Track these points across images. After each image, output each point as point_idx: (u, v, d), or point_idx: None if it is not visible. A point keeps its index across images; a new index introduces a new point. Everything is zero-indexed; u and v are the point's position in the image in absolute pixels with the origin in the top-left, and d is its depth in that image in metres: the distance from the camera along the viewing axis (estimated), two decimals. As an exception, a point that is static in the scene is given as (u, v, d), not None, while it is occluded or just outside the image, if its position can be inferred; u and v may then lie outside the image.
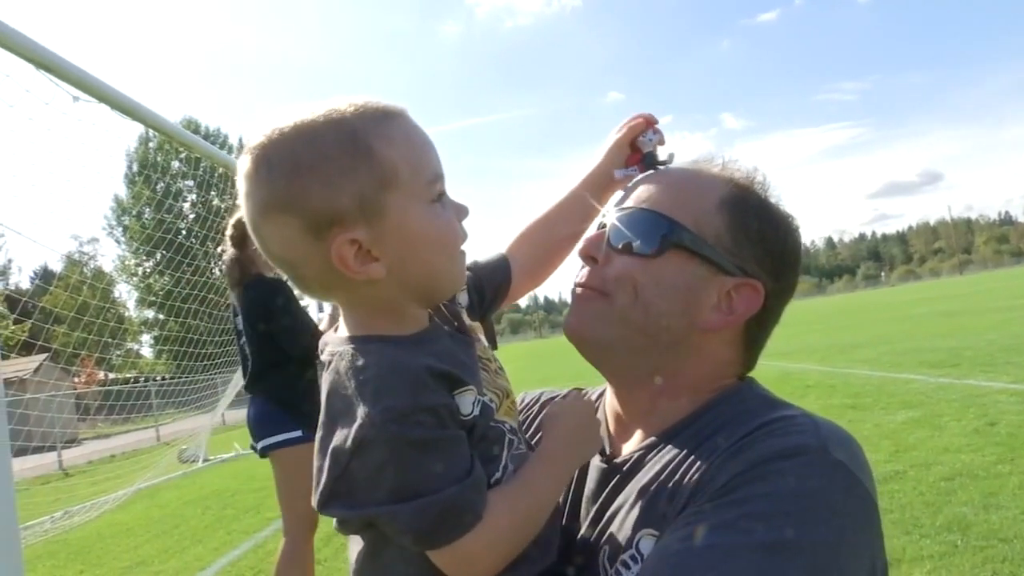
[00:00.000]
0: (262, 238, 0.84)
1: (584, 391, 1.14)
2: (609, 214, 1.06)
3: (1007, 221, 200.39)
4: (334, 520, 0.85)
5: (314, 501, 0.83)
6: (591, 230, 1.13)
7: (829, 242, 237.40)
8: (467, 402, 0.85)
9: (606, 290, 1.00)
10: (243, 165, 0.82)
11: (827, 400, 9.27)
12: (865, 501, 0.79)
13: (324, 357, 0.88)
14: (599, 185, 1.27)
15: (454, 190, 0.91)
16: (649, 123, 1.24)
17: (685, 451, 0.90)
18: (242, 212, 0.84)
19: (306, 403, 3.83)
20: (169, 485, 12.13)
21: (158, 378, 22.46)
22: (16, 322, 9.75)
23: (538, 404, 1.24)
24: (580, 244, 1.08)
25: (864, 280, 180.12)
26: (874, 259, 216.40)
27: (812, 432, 0.83)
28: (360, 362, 0.81)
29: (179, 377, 14.93)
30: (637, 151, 1.24)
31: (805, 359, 14.47)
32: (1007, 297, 26.95)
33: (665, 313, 0.96)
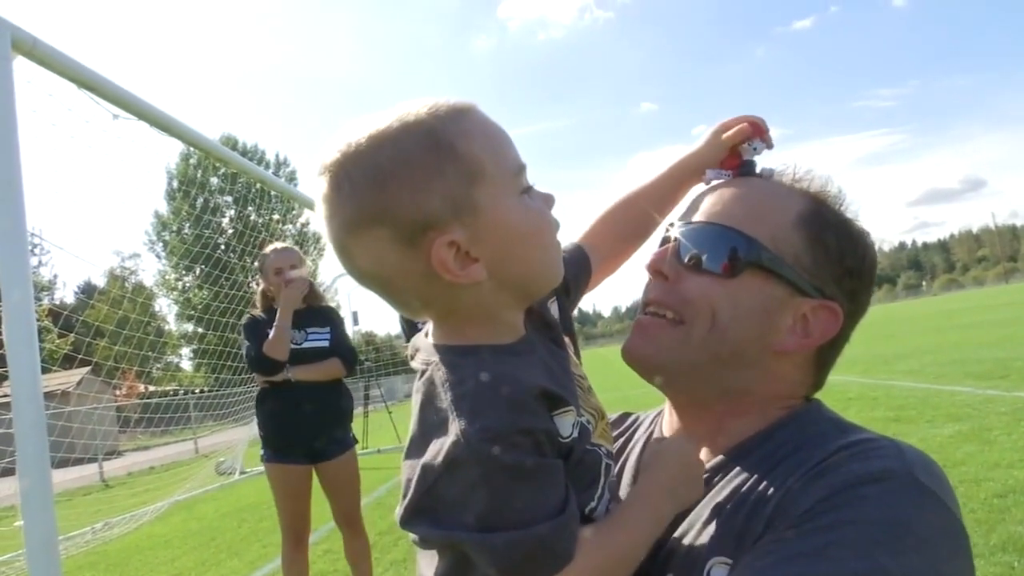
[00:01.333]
0: (350, 258, 0.80)
1: (636, 415, 1.08)
2: (675, 227, 1.00)
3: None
4: (413, 539, 0.80)
5: (398, 514, 0.79)
6: (655, 243, 1.06)
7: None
8: (567, 424, 0.79)
9: (681, 315, 0.94)
10: (320, 186, 0.78)
11: (869, 413, 9.02)
12: (956, 528, 0.76)
13: (417, 364, 0.84)
14: (685, 177, 1.22)
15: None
16: (759, 130, 1.17)
17: (759, 473, 0.86)
18: (325, 235, 0.80)
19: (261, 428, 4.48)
20: (206, 497, 12.28)
21: (197, 391, 22.84)
22: (60, 336, 9.99)
23: (623, 429, 1.16)
24: (647, 258, 1.02)
25: (905, 290, 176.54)
26: (915, 268, 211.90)
27: (896, 456, 0.80)
28: (458, 374, 0.76)
29: (217, 390, 15.15)
30: (736, 155, 1.17)
31: (846, 371, 14.12)
32: (1056, 306, 26.09)
33: (742, 339, 0.93)
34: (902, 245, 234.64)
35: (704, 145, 1.21)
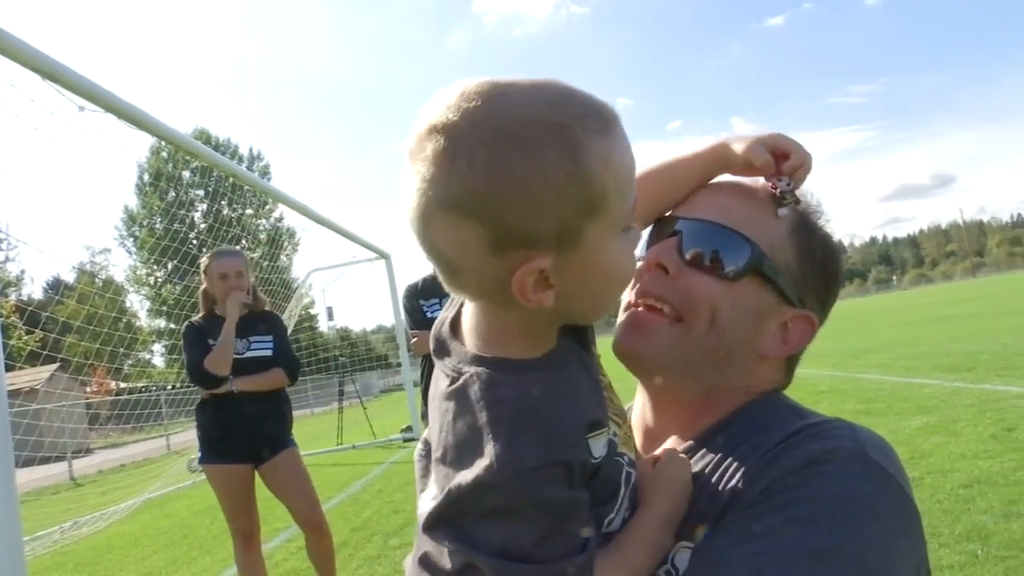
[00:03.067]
0: (429, 232, 0.71)
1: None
2: (678, 220, 0.99)
3: (1020, 223, 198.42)
4: (428, 546, 0.78)
5: (422, 515, 0.77)
6: (654, 235, 1.02)
7: (839, 246, 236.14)
8: (600, 445, 0.77)
9: (680, 312, 0.94)
10: (428, 147, 0.68)
11: (840, 406, 9.15)
12: (906, 504, 0.79)
13: (446, 369, 0.79)
14: (713, 170, 1.04)
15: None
16: (804, 169, 1.01)
17: (718, 457, 0.88)
18: (409, 191, 0.70)
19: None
20: (178, 495, 12.14)
21: (169, 387, 22.57)
22: (28, 332, 9.81)
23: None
24: (646, 250, 0.99)
25: (875, 284, 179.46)
26: (885, 263, 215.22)
27: (850, 436, 0.82)
28: (495, 393, 0.73)
29: (190, 386, 14.98)
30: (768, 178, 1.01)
31: (817, 364, 14.29)
32: (1022, 300, 26.68)
33: (736, 340, 0.95)
34: (873, 240, 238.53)
35: (747, 149, 1.01)
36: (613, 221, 0.72)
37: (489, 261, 0.70)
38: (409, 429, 14.07)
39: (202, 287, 4.48)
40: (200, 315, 4.48)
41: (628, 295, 0.98)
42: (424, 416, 4.98)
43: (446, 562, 0.76)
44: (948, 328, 19.25)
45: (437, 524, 0.75)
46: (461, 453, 0.73)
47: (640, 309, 0.96)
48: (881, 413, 8.27)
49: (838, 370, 13.14)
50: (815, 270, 0.97)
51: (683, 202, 1.03)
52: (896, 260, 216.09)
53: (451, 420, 0.75)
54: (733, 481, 0.83)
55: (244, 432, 4.26)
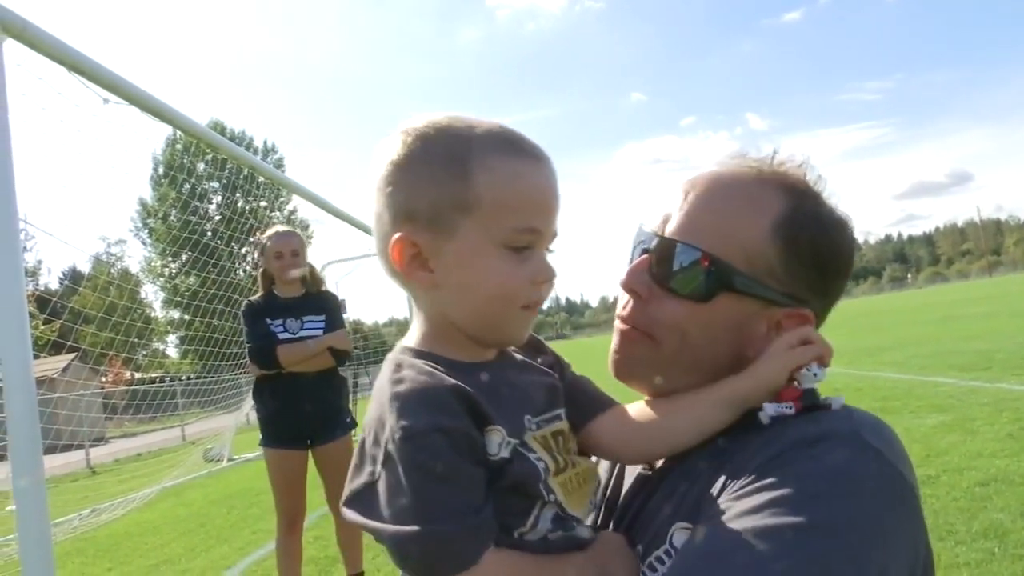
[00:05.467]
0: (372, 207, 0.88)
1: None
2: (647, 237, 0.98)
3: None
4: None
5: (343, 496, 0.85)
6: (634, 254, 1.02)
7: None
8: (493, 442, 0.80)
9: (652, 333, 0.95)
10: (391, 139, 0.86)
11: (855, 403, 8.78)
12: (899, 484, 0.77)
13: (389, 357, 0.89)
14: (736, 410, 0.91)
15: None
16: (822, 359, 0.92)
17: (718, 441, 0.90)
18: (370, 184, 0.88)
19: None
20: (194, 484, 12.26)
21: (184, 378, 22.75)
22: (45, 322, 9.92)
23: None
24: (622, 274, 1.00)
25: (890, 282, 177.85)
26: (900, 261, 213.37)
27: (844, 419, 0.83)
28: (399, 374, 0.81)
29: (204, 377, 15.11)
30: (792, 384, 0.92)
31: (831, 362, 14.18)
32: (1039, 299, 26.36)
33: (716, 354, 0.94)
34: (888, 238, 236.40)
35: (757, 375, 0.91)
36: (490, 229, 0.82)
37: (388, 233, 0.84)
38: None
39: (260, 268, 4.57)
40: (259, 294, 4.57)
41: (618, 308, 1.01)
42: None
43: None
44: (964, 327, 19.07)
45: (351, 503, 0.83)
46: (371, 432, 0.81)
47: (621, 326, 0.99)
48: (896, 411, 8.23)
49: (852, 368, 13.07)
50: (803, 263, 0.92)
51: (657, 215, 1.00)
52: (911, 258, 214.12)
53: (372, 403, 0.84)
54: (730, 466, 0.84)
55: (298, 416, 4.34)
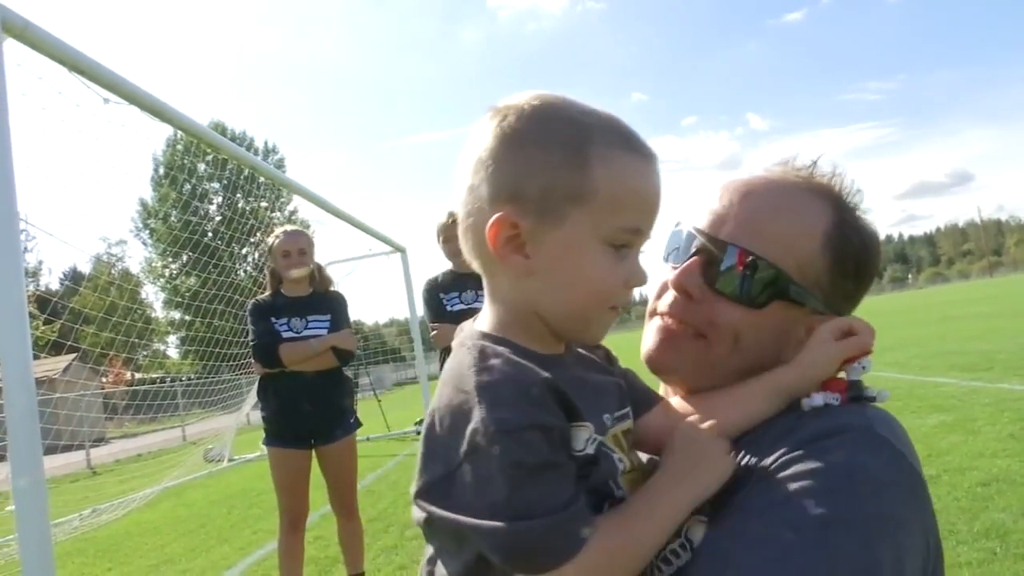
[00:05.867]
0: (463, 184, 0.84)
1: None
2: (699, 237, 0.99)
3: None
4: (418, 517, 0.81)
5: (413, 488, 0.80)
6: (674, 253, 1.03)
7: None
8: (580, 438, 0.79)
9: (706, 333, 0.97)
10: (484, 116, 0.84)
11: None
12: (912, 477, 0.81)
13: (455, 344, 0.85)
14: (783, 402, 0.93)
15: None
16: (865, 351, 0.94)
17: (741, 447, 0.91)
18: (463, 160, 0.85)
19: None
20: (195, 484, 12.25)
21: (184, 378, 22.76)
22: (46, 322, 9.93)
23: None
24: (669, 271, 1.01)
25: (891, 283, 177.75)
26: (901, 261, 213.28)
27: (858, 414, 0.86)
28: (486, 362, 0.77)
29: (205, 377, 15.11)
30: (840, 377, 0.94)
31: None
32: (1040, 300, 26.35)
33: (762, 355, 0.96)
34: (888, 238, 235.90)
35: (802, 367, 0.93)
36: (597, 224, 0.79)
37: (487, 212, 0.80)
38: (422, 423, 14.09)
39: (269, 267, 4.59)
40: (267, 293, 4.58)
41: (652, 302, 1.03)
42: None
43: (435, 533, 0.80)
44: (964, 327, 19.07)
45: (429, 493, 0.78)
46: (451, 421, 0.76)
47: (666, 321, 1.00)
48: (897, 411, 8.14)
49: (853, 368, 13.03)
50: (847, 276, 0.98)
51: (707, 217, 1.00)
52: (912, 258, 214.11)
53: (447, 388, 0.79)
54: (746, 459, 0.86)
55: (298, 416, 4.34)
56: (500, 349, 0.80)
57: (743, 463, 0.86)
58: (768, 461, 0.82)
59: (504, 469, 0.72)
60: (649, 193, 0.82)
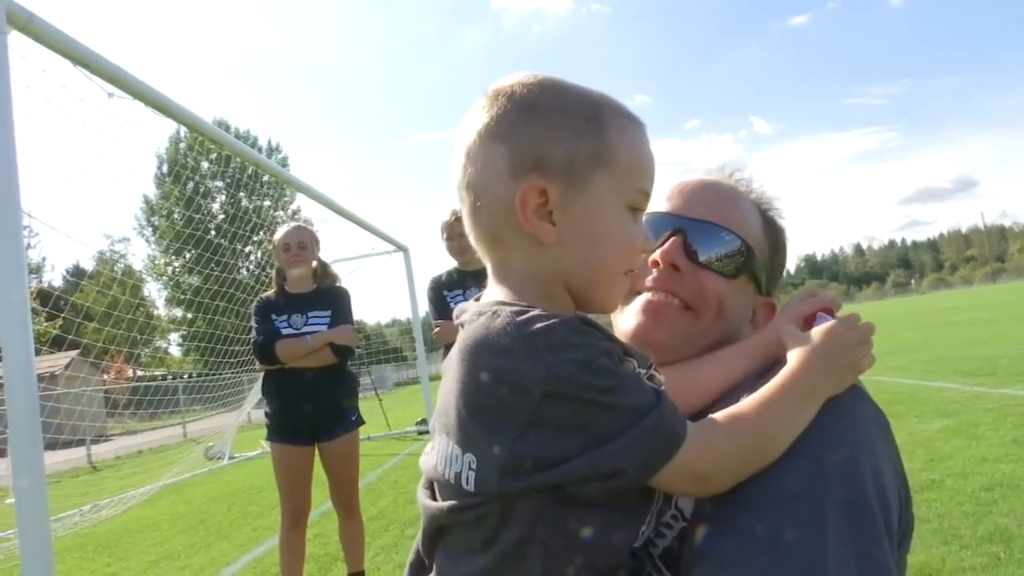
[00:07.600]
0: (469, 163, 0.83)
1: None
2: (677, 218, 1.07)
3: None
4: (441, 508, 0.79)
5: (492, 474, 0.74)
6: (660, 233, 1.06)
7: (858, 249, 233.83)
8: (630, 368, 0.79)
9: (693, 304, 1.03)
10: (481, 99, 0.84)
11: None
12: (884, 420, 0.94)
13: (468, 317, 0.82)
14: (761, 363, 0.97)
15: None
16: (830, 309, 0.99)
17: None
18: (460, 142, 0.84)
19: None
20: (195, 481, 12.26)
21: (186, 375, 22.80)
22: (49, 318, 9.92)
23: None
24: (657, 252, 1.05)
25: (894, 288, 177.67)
26: (904, 267, 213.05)
27: None
28: (525, 316, 0.75)
29: (206, 375, 15.12)
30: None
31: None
32: (1043, 306, 26.28)
33: (733, 328, 1.07)
34: (891, 243, 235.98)
35: (780, 317, 1.01)
36: (620, 186, 0.82)
37: (507, 185, 0.79)
38: (424, 422, 14.11)
39: (275, 264, 4.61)
40: (272, 291, 4.59)
41: (638, 283, 1.05)
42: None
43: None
44: (967, 332, 19.03)
45: (515, 470, 0.73)
46: (499, 386, 0.73)
47: (653, 297, 1.04)
48: (900, 416, 8.19)
49: (856, 372, 13.01)
50: (780, 263, 1.14)
51: (678, 200, 1.10)
52: (915, 264, 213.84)
53: (471, 358, 0.76)
54: None
55: (303, 412, 4.34)
56: (533, 308, 0.77)
57: None
58: None
59: (592, 401, 0.72)
60: (653, 159, 0.87)
